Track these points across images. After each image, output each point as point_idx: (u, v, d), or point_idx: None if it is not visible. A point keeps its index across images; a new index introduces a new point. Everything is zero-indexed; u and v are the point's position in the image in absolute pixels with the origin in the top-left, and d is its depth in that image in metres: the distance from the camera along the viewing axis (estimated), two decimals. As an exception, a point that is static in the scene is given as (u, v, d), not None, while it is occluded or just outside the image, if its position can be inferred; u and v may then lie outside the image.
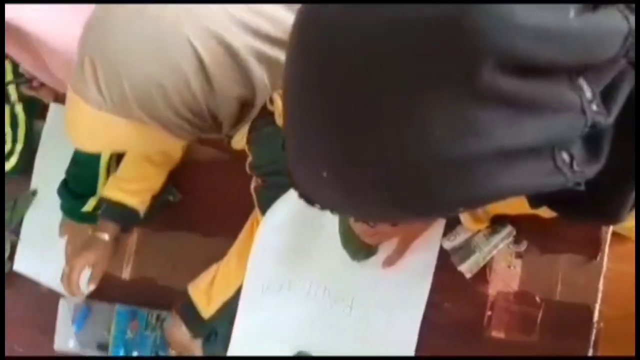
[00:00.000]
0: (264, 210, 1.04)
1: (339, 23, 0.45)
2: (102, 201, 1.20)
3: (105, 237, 1.18)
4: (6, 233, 1.41)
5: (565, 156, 0.47)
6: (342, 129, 0.46)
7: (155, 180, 1.20)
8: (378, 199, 0.48)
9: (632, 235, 1.14)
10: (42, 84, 1.32)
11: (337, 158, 0.47)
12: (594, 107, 0.46)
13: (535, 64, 0.41)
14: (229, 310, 1.04)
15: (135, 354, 1.19)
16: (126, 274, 1.25)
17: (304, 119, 0.49)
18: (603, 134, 0.52)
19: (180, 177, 1.20)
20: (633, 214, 1.07)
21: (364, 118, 0.44)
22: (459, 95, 0.41)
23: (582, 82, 0.45)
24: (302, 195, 0.56)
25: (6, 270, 1.39)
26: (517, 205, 0.80)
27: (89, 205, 1.26)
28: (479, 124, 0.42)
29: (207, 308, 1.05)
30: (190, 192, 1.20)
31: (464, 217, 0.86)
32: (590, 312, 0.83)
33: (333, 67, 0.45)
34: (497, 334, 0.88)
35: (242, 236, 1.09)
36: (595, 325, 0.83)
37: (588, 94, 0.45)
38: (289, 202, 1.02)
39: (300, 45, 0.48)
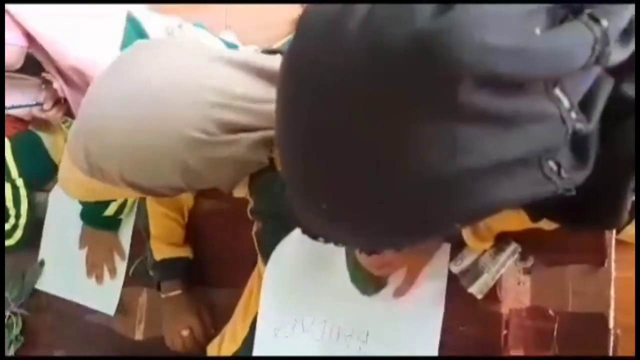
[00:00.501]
0: (264, 254, 1.05)
1: (318, 67, 0.47)
2: (157, 265, 1.20)
3: (177, 292, 1.18)
4: (16, 309, 1.41)
5: (552, 164, 0.49)
6: (335, 165, 0.47)
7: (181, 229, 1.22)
8: (376, 226, 0.49)
9: (633, 240, 1.15)
10: (52, 105, 1.34)
11: (332, 192, 0.49)
12: (573, 114, 0.48)
13: (510, 80, 0.43)
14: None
15: None
16: (139, 334, 1.24)
17: (297, 160, 0.51)
18: (587, 140, 0.54)
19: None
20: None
21: (355, 152, 0.46)
22: (442, 117, 0.43)
23: (558, 92, 0.47)
24: (305, 230, 0.58)
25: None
26: (519, 221, 0.81)
27: (111, 209, 1.26)
28: (466, 142, 0.44)
29: None
30: (195, 244, 1.21)
31: (468, 237, 0.87)
32: (605, 319, 0.83)
33: (316, 107, 0.47)
34: (516, 351, 0.87)
35: (246, 290, 1.10)
36: (612, 332, 0.83)
37: (566, 103, 0.47)
38: (294, 244, 1.03)
39: (283, 91, 0.51)
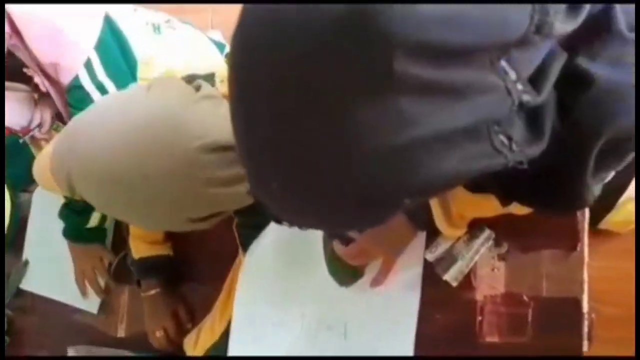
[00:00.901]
0: (245, 248, 1.05)
1: (258, 45, 0.46)
2: (136, 264, 1.19)
3: (155, 291, 1.17)
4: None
5: (503, 138, 0.49)
6: (281, 144, 0.47)
7: None
8: (328, 204, 0.49)
9: (619, 229, 1.15)
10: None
11: (279, 170, 0.49)
12: (520, 86, 0.48)
13: (447, 50, 0.43)
14: (215, 352, 1.03)
15: None
16: (121, 331, 1.24)
17: (246, 143, 0.51)
18: (542, 114, 0.54)
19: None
20: (620, 207, 1.09)
21: (300, 130, 0.46)
22: (382, 91, 0.43)
23: (504, 64, 0.47)
24: (269, 214, 0.57)
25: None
26: (490, 207, 0.81)
27: (94, 219, 1.25)
28: (407, 114, 0.43)
29: (192, 353, 1.05)
30: (177, 240, 1.20)
31: (441, 224, 0.87)
32: (578, 304, 0.83)
33: (256, 84, 0.47)
34: (491, 338, 0.87)
35: (226, 284, 1.10)
36: (586, 317, 0.83)
37: (512, 75, 0.47)
38: (272, 237, 1.03)
39: (230, 79, 0.50)
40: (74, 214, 1.25)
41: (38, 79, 1.24)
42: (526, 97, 0.48)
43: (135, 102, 0.83)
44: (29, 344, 1.39)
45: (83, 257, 1.29)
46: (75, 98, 1.20)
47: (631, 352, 1.15)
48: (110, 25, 1.23)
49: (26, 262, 1.41)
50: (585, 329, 0.83)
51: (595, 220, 1.11)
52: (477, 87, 0.46)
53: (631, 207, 1.08)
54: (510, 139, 0.49)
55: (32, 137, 1.40)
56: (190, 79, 0.89)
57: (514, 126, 0.50)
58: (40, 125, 1.35)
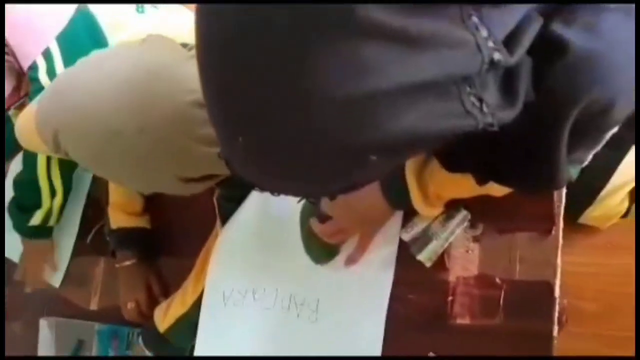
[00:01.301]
0: (224, 221, 1.04)
1: None
2: (113, 233, 1.18)
3: (130, 262, 1.16)
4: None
5: (473, 99, 0.48)
6: (239, 93, 0.46)
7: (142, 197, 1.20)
8: (285, 153, 0.48)
9: (600, 224, 1.14)
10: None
11: (240, 122, 0.48)
12: (490, 44, 0.47)
13: None
14: (184, 323, 1.03)
15: None
16: (94, 304, 1.23)
17: (209, 95, 0.50)
18: (515, 78, 0.54)
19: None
20: (600, 202, 1.08)
21: (262, 78, 0.44)
22: (343, 35, 0.42)
23: (476, 20, 0.46)
24: (237, 176, 0.56)
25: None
26: (467, 187, 0.80)
27: (36, 218, 1.24)
28: (369, 61, 0.42)
29: (162, 322, 1.04)
30: (155, 215, 1.20)
31: (417, 203, 0.86)
32: (550, 287, 0.82)
33: (216, 31, 0.46)
34: (462, 320, 0.86)
35: (201, 254, 1.09)
36: (557, 301, 0.82)
37: (483, 32, 0.47)
38: (250, 212, 1.02)
39: (195, 20, 0.49)
40: (19, 211, 1.25)
41: (10, 58, 1.21)
42: (497, 56, 0.47)
43: (128, 55, 0.81)
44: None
45: (30, 251, 1.30)
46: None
47: (606, 349, 1.16)
48: (83, 15, 1.16)
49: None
50: (556, 314, 0.82)
51: (575, 215, 1.11)
52: (446, 40, 0.45)
53: (611, 202, 1.08)
54: (481, 100, 0.48)
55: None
56: (182, 45, 0.88)
57: (486, 89, 0.49)
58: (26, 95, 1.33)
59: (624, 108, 0.60)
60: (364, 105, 0.44)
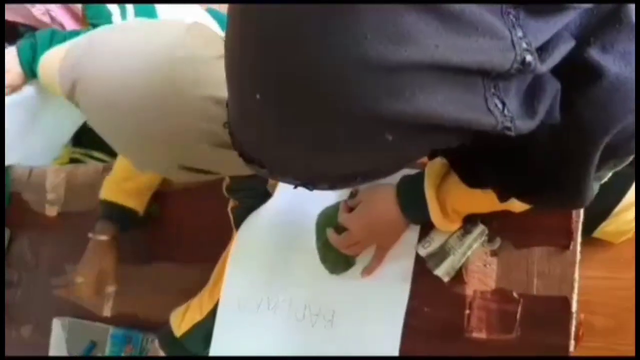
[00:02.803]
0: (240, 230, 1.04)
1: None
2: (101, 203, 1.18)
3: (104, 237, 1.16)
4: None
5: (497, 101, 0.48)
6: (273, 42, 0.45)
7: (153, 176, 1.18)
8: (312, 114, 0.46)
9: (614, 239, 1.15)
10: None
11: (269, 72, 0.46)
12: (524, 45, 0.47)
13: None
14: (200, 330, 1.03)
15: None
16: (107, 311, 1.23)
17: (242, 43, 0.48)
18: (539, 93, 0.54)
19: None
20: (614, 217, 1.08)
21: (296, 27, 0.44)
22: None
23: (513, 19, 0.47)
24: (240, 152, 0.55)
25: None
26: (487, 203, 0.81)
27: None
28: (409, 31, 0.43)
29: (179, 327, 1.04)
30: (164, 221, 1.20)
31: (436, 217, 0.86)
32: (568, 303, 0.82)
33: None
34: (478, 334, 0.87)
35: (220, 262, 1.09)
36: (574, 316, 0.82)
37: (519, 32, 0.47)
38: (264, 220, 1.02)
39: None
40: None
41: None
42: (529, 58, 0.48)
43: (168, 37, 0.80)
44: (11, 318, 1.37)
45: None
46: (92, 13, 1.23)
47: (619, 364, 1.16)
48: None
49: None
50: (573, 329, 0.82)
51: (589, 229, 1.11)
52: (485, 27, 0.45)
53: (625, 217, 1.08)
54: (504, 104, 0.49)
55: None
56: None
57: (509, 95, 0.50)
58: None
59: None
60: (396, 73, 0.44)
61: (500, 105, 0.48)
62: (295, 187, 0.56)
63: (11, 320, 1.37)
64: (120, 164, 1.18)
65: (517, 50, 0.47)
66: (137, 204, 1.17)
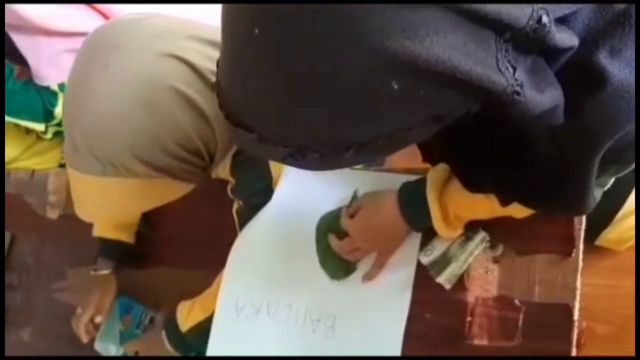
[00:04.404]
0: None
1: None
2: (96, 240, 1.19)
3: (106, 272, 1.18)
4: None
5: (507, 64, 0.47)
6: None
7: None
8: (315, 50, 0.43)
9: (616, 247, 1.14)
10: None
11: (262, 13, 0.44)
12: (539, 7, 0.47)
13: None
14: (203, 330, 1.02)
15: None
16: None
17: None
18: (547, 77, 0.53)
19: (154, 212, 1.20)
20: (616, 224, 1.08)
21: None
22: None
23: None
24: (227, 112, 0.52)
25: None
26: (488, 208, 0.81)
27: None
28: None
29: (184, 322, 1.04)
30: (165, 227, 1.20)
31: (438, 224, 0.86)
32: (570, 311, 0.82)
33: None
34: (480, 340, 0.86)
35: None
36: (576, 324, 0.82)
37: None
38: (264, 224, 1.02)
39: None
40: None
41: None
42: (545, 19, 0.47)
43: None
44: (12, 321, 1.37)
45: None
46: None
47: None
48: None
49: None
50: (575, 337, 0.82)
51: (592, 236, 1.11)
52: None
53: (627, 224, 1.08)
54: (514, 68, 0.48)
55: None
56: None
57: (519, 63, 0.48)
58: None
59: None
60: (413, 9, 0.42)
61: (510, 69, 0.47)
62: (284, 159, 0.52)
63: (11, 324, 1.37)
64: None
65: (535, 7, 0.46)
66: (128, 235, 1.18)
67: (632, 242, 1.10)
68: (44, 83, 1.37)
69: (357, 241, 0.94)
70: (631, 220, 1.07)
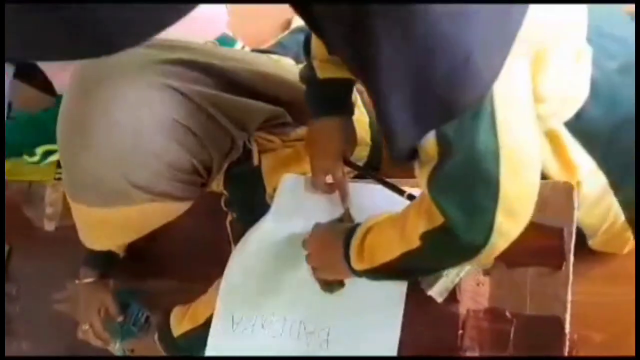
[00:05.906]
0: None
1: None
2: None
3: (89, 280, 1.18)
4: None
5: None
6: None
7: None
8: None
9: (617, 250, 1.14)
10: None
11: None
12: None
13: None
14: (195, 337, 1.03)
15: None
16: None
17: None
18: None
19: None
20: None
21: None
22: None
23: None
24: None
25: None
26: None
27: None
28: None
29: (177, 326, 1.05)
30: (161, 239, 1.20)
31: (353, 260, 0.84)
32: (561, 323, 0.83)
33: None
34: (472, 353, 0.87)
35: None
36: (567, 336, 0.83)
37: None
38: (257, 237, 1.02)
39: None
40: None
41: None
42: None
43: None
44: (11, 332, 1.38)
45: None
46: None
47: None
48: None
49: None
50: (567, 349, 0.82)
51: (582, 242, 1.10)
52: None
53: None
54: None
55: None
56: None
57: None
58: None
59: None
60: None
61: None
62: None
63: (11, 334, 1.38)
64: None
65: None
66: (117, 247, 1.18)
67: (631, 244, 1.09)
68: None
69: (312, 260, 0.92)
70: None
